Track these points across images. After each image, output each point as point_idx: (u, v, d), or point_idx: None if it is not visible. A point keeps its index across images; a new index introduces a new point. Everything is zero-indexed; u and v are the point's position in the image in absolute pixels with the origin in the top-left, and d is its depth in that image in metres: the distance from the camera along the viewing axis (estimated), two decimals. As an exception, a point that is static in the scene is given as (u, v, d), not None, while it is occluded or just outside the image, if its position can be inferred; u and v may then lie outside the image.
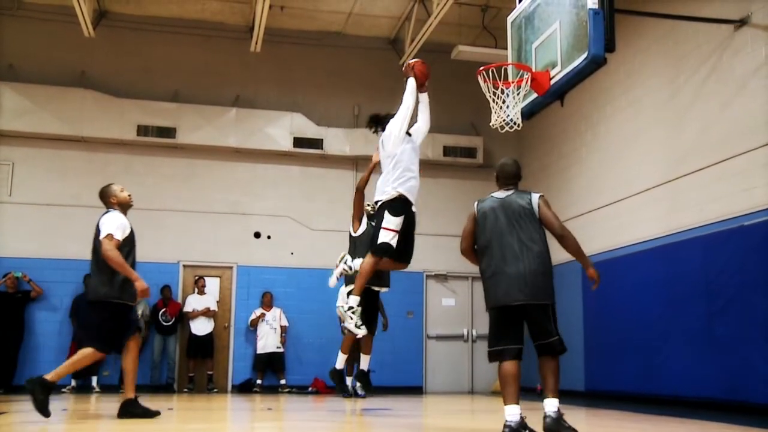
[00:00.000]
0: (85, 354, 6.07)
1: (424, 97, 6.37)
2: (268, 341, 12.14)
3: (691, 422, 6.56)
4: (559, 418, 4.63)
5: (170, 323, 11.85)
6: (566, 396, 9.98)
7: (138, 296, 6.09)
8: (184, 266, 12.41)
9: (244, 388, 12.07)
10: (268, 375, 12.23)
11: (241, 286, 12.53)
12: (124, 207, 6.47)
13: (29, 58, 12.29)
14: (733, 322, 7.50)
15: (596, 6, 6.01)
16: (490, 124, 6.85)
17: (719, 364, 7.65)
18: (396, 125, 6.16)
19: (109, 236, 6.06)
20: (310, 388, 11.93)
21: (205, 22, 12.87)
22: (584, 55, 6.04)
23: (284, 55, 13.16)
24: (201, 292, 12.12)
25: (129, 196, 6.53)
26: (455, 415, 7.98)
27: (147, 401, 9.49)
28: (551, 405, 4.65)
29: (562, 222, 4.98)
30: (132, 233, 6.33)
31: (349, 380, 8.28)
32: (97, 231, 6.18)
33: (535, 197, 4.96)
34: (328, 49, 13.35)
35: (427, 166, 13.38)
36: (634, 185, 9.74)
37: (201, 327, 11.99)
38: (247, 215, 12.79)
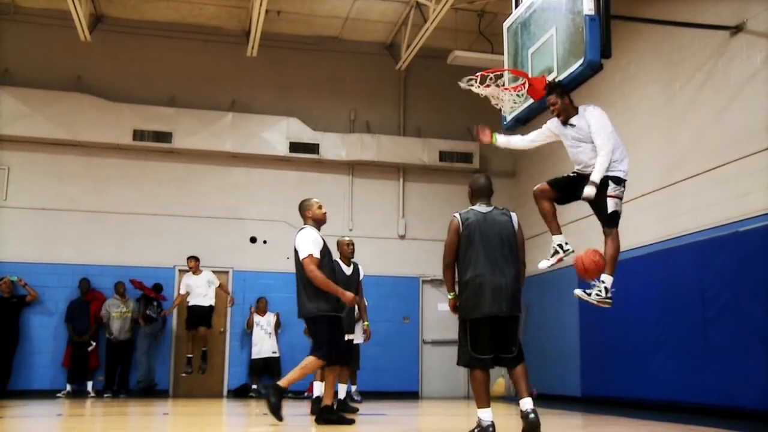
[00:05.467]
0: (312, 362, 6.21)
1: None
2: (263, 347, 12.10)
3: (686, 428, 6.56)
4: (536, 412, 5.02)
5: (156, 320, 11.72)
6: (562, 402, 10.01)
7: (348, 305, 6.30)
8: (180, 271, 12.37)
9: (240, 393, 12.05)
10: (265, 380, 12.20)
11: (236, 291, 12.50)
12: (318, 223, 6.56)
13: (25, 63, 12.28)
14: (728, 328, 7.50)
15: (592, 12, 6.03)
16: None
17: (714, 370, 7.65)
18: None
19: (309, 257, 6.16)
20: (306, 393, 11.90)
21: (201, 26, 12.88)
22: (580, 61, 6.06)
23: (280, 59, 13.16)
24: (196, 272, 11.54)
25: (324, 214, 6.61)
26: (451, 420, 7.97)
27: (140, 406, 9.50)
28: (530, 403, 5.01)
29: None
30: (325, 245, 6.41)
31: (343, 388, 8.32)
32: (296, 250, 6.29)
33: (515, 217, 5.38)
34: (324, 53, 13.37)
35: (422, 171, 13.56)
36: (630, 191, 9.65)
37: (201, 300, 11.39)
38: (242, 220, 12.78)
